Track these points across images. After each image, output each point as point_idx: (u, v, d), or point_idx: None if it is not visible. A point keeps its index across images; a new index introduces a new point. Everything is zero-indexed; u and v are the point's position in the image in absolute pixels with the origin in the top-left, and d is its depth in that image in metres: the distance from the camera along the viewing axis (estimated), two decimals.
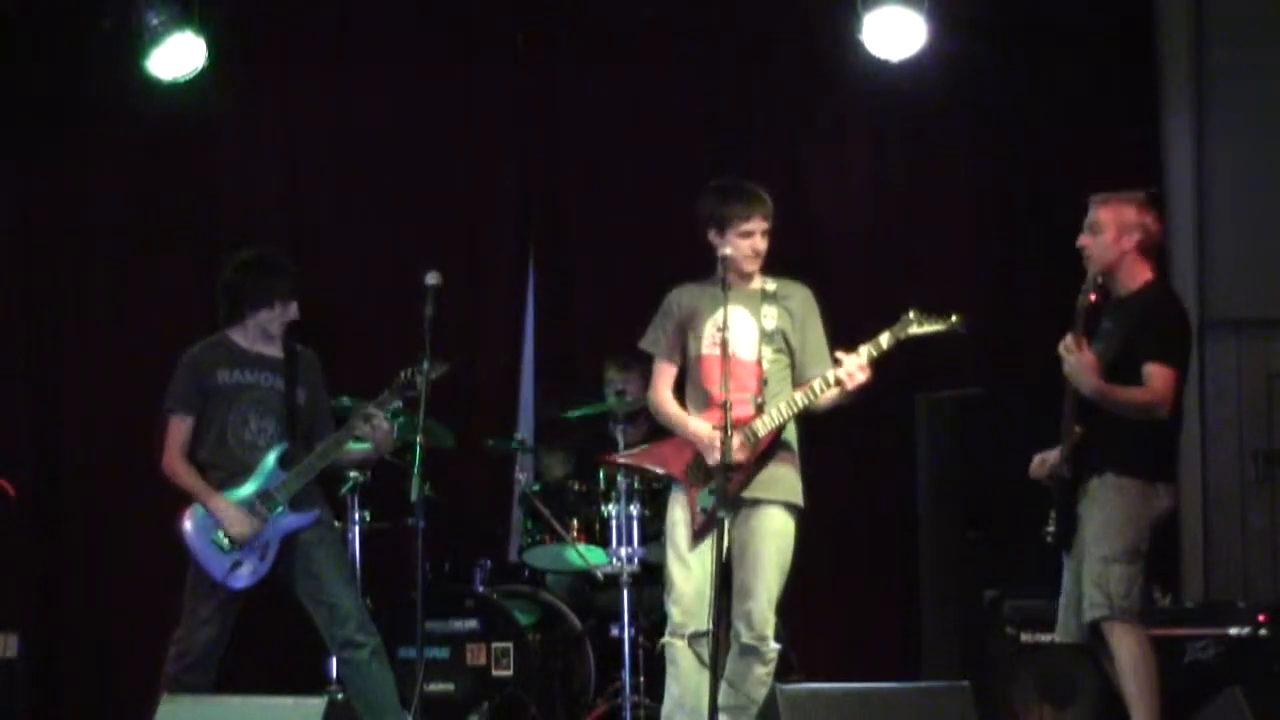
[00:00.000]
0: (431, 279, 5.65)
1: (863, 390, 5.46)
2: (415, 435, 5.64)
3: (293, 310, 5.89)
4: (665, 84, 7.76)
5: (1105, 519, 5.35)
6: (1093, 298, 5.43)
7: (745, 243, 5.52)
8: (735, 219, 5.52)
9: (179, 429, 5.83)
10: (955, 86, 7.57)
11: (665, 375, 5.69)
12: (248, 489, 5.75)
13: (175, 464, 5.81)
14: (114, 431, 7.25)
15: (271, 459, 5.78)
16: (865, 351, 5.41)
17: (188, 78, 6.98)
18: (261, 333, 5.88)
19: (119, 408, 7.27)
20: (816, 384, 5.45)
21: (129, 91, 7.24)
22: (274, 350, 5.90)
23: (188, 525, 5.75)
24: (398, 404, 5.83)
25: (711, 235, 5.58)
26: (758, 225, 5.53)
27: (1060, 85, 7.58)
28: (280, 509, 5.74)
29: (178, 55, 6.92)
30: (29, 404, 7.59)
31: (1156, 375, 5.32)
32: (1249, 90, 7.65)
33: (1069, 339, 5.37)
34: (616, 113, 7.79)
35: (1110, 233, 5.45)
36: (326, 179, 7.79)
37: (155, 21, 6.84)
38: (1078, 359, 5.32)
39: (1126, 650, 5.32)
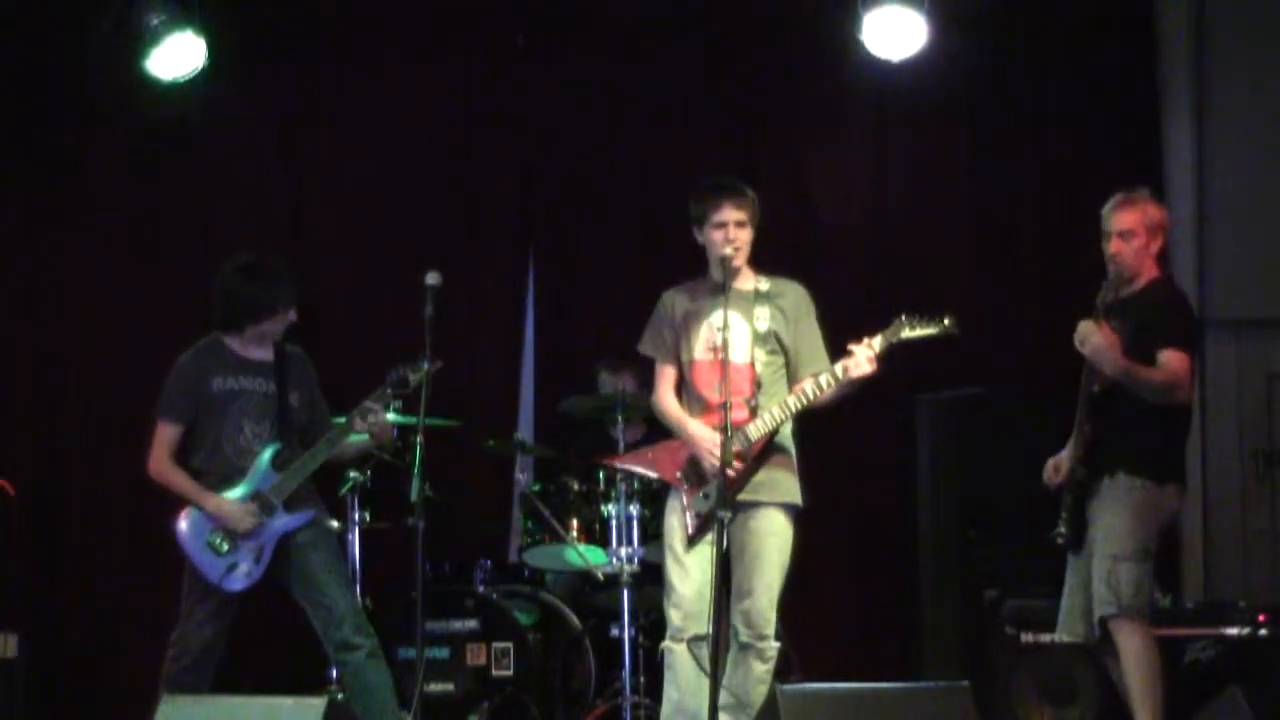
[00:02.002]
0: (431, 279, 5.65)
1: (861, 387, 5.45)
2: (415, 435, 5.64)
3: (293, 315, 5.90)
4: (665, 84, 7.76)
5: (1115, 518, 5.36)
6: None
7: (718, 234, 5.51)
8: (707, 212, 5.53)
9: (167, 433, 5.82)
10: (955, 86, 7.57)
11: (667, 377, 5.67)
12: (240, 491, 5.75)
13: (162, 466, 5.81)
14: (114, 432, 7.25)
15: (265, 460, 5.77)
16: (876, 344, 5.39)
17: (188, 78, 6.99)
18: (259, 338, 5.88)
19: (119, 408, 7.27)
20: (809, 386, 5.43)
21: (129, 91, 7.24)
22: (265, 354, 5.89)
23: (183, 527, 5.75)
24: (396, 403, 5.82)
25: (696, 234, 5.60)
26: (729, 215, 5.50)
27: (1060, 85, 7.58)
28: (274, 510, 5.74)
29: (178, 55, 6.92)
30: (29, 403, 7.60)
31: (1172, 359, 5.34)
32: (1249, 90, 7.66)
33: (1086, 324, 5.36)
34: (617, 112, 7.80)
35: (1142, 237, 5.47)
36: (326, 179, 7.79)
37: (155, 21, 6.84)
38: (1101, 339, 5.31)
39: (1132, 648, 5.33)
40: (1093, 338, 5.34)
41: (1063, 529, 5.50)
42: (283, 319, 5.86)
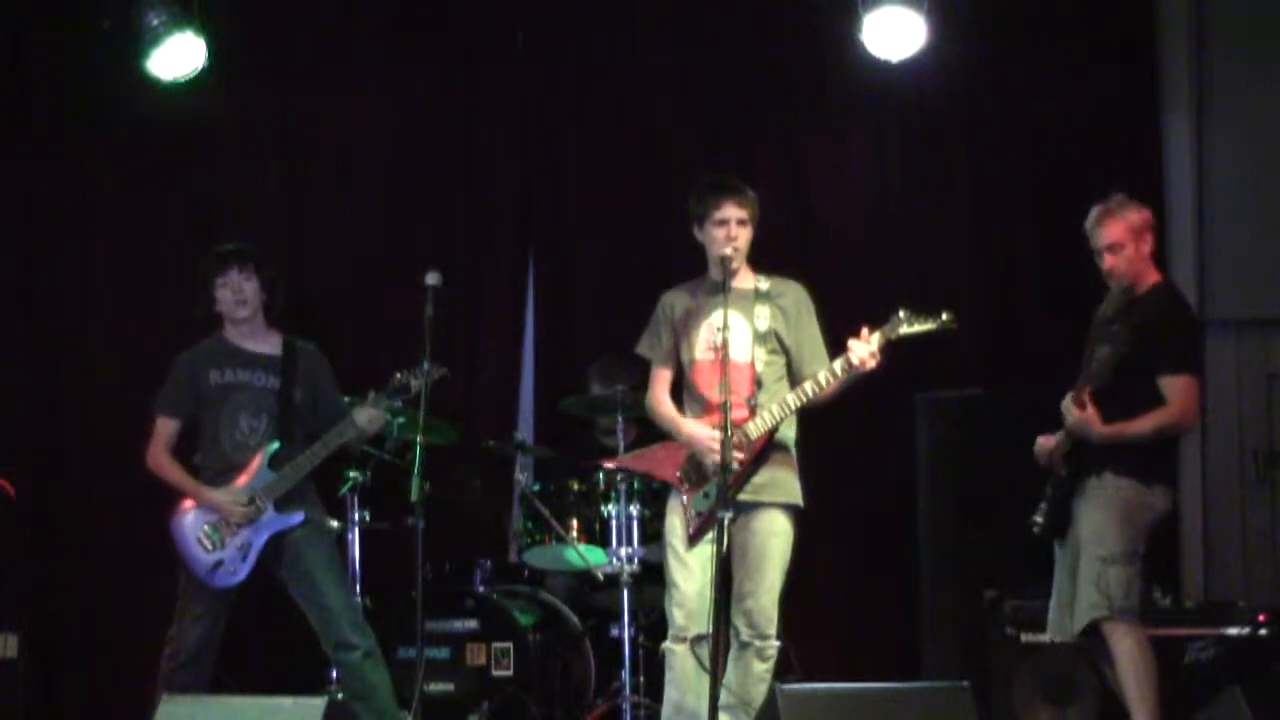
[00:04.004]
0: (431, 279, 5.66)
1: (860, 385, 5.45)
2: (416, 435, 5.65)
3: (248, 289, 5.85)
4: (665, 84, 7.76)
5: (1102, 520, 5.37)
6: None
7: (719, 232, 5.51)
8: (708, 210, 5.53)
9: (163, 428, 5.89)
10: (955, 86, 7.57)
11: (662, 379, 5.68)
12: (235, 488, 5.76)
13: (159, 459, 5.86)
14: (113, 431, 7.24)
15: (264, 458, 5.78)
16: (875, 339, 5.39)
17: (188, 78, 6.99)
18: (251, 327, 5.88)
19: (119, 407, 7.26)
20: (808, 385, 5.44)
21: (129, 91, 7.24)
22: (271, 348, 5.92)
23: (176, 521, 5.80)
24: (394, 404, 5.82)
25: (695, 232, 5.60)
26: (730, 214, 5.50)
27: (1060, 86, 7.58)
28: (265, 508, 5.75)
29: (178, 55, 6.92)
30: (29, 404, 7.60)
31: (1176, 387, 5.34)
32: (1249, 90, 7.65)
33: (1069, 399, 5.37)
34: (616, 112, 7.79)
35: (1131, 247, 5.47)
36: (326, 179, 7.79)
37: (155, 21, 6.84)
38: (1082, 417, 5.32)
39: (1126, 650, 5.33)
40: (1073, 414, 5.34)
41: (1039, 518, 5.51)
42: (228, 291, 5.85)
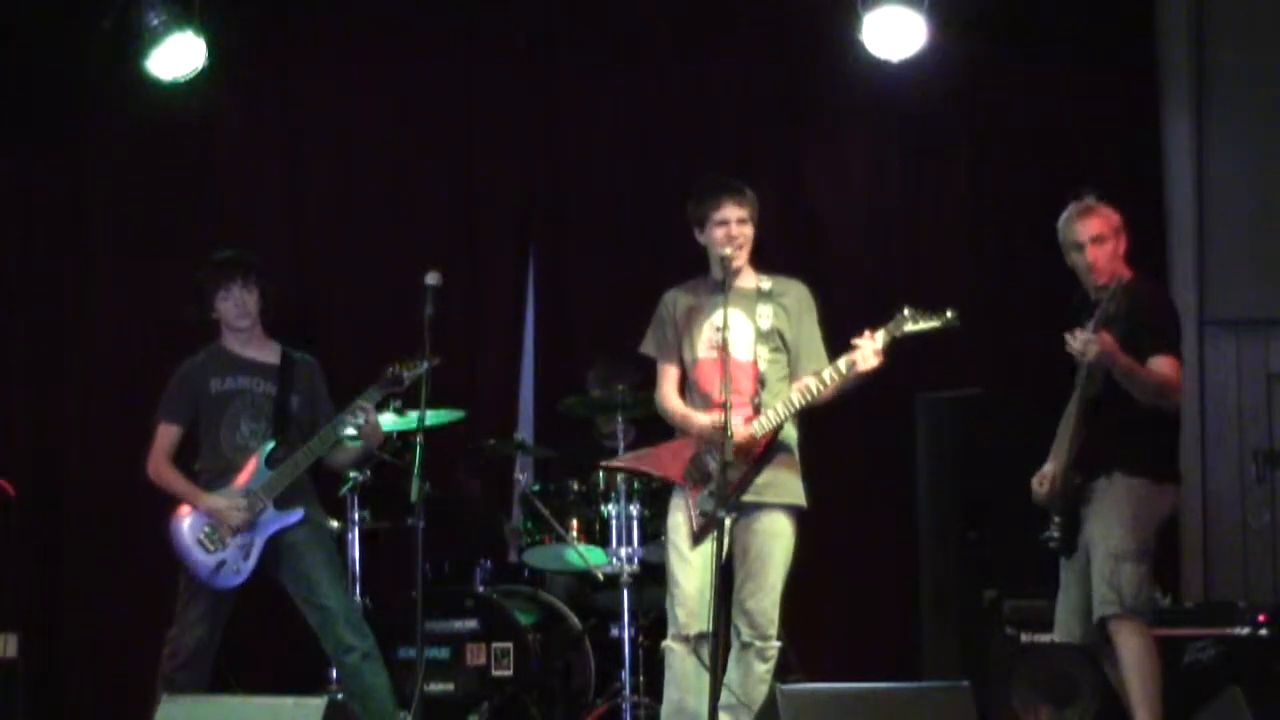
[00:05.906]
0: (431, 279, 5.66)
1: (862, 384, 5.45)
2: (416, 435, 5.65)
3: (250, 300, 5.88)
4: (666, 84, 7.77)
5: (1115, 518, 5.36)
6: None
7: (719, 232, 5.51)
8: (708, 211, 5.54)
9: (164, 435, 5.90)
10: (955, 86, 7.56)
11: (669, 377, 5.68)
12: (234, 489, 5.77)
13: (159, 467, 5.88)
14: (113, 432, 7.25)
15: (260, 458, 5.79)
16: (879, 337, 5.39)
17: (188, 78, 6.98)
18: (248, 335, 5.89)
19: (119, 408, 7.27)
20: (812, 383, 5.44)
21: (129, 91, 7.25)
22: (267, 356, 5.95)
23: (175, 526, 5.81)
24: (378, 396, 5.83)
25: (697, 235, 5.60)
26: (730, 213, 5.51)
27: (1060, 85, 7.58)
28: (264, 507, 5.75)
29: (178, 55, 6.92)
30: (29, 404, 7.60)
31: (1164, 365, 5.37)
32: (1249, 90, 7.65)
33: (1080, 333, 5.34)
34: (617, 113, 7.80)
35: (1111, 241, 5.49)
36: (326, 179, 7.79)
37: (155, 21, 6.84)
38: (1103, 340, 5.29)
39: (1132, 649, 5.33)
40: (1094, 345, 5.32)
41: (1055, 533, 5.50)
42: (231, 301, 5.87)
